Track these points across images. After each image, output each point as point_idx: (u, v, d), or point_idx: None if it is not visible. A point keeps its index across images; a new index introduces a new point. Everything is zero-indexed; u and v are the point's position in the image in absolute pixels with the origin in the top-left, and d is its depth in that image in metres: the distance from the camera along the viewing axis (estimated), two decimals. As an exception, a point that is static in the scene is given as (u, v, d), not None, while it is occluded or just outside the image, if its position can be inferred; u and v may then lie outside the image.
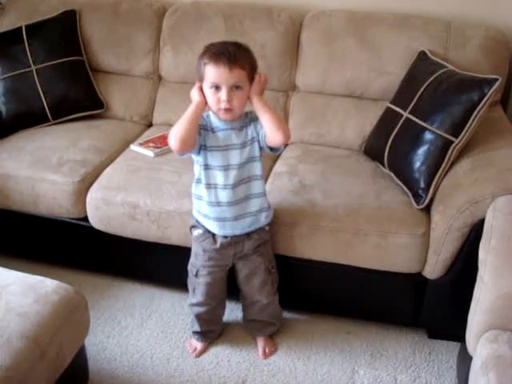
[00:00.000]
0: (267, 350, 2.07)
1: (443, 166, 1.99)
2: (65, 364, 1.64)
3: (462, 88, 2.02)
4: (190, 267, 2.00)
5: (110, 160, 2.36)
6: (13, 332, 1.48)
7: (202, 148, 1.79)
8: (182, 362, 2.04)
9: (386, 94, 2.38)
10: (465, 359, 1.70)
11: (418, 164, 2.02)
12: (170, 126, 2.57)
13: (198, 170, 1.84)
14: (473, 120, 1.96)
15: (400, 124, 2.15)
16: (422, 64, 2.28)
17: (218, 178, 1.81)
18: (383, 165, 2.21)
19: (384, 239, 1.95)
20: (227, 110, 1.71)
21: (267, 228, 1.95)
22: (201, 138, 1.77)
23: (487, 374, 1.41)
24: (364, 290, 2.11)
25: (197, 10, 2.62)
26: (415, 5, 2.54)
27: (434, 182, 1.99)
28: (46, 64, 2.58)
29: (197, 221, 1.93)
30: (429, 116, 2.04)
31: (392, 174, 2.17)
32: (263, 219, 1.91)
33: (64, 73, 2.61)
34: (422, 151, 2.02)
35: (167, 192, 2.12)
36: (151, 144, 2.41)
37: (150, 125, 2.72)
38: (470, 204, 1.83)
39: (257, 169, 1.84)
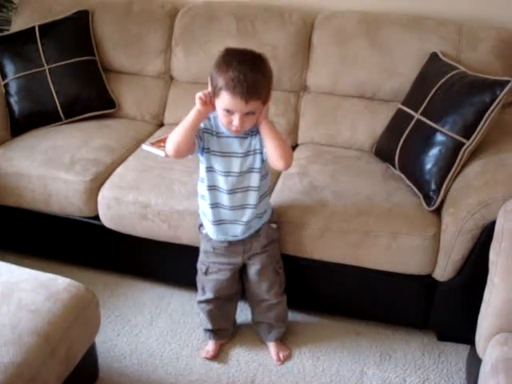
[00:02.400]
0: (281, 355, 2.06)
1: (454, 167, 1.99)
2: (75, 361, 1.65)
3: (474, 90, 2.01)
4: (199, 265, 2.00)
5: (122, 159, 2.37)
6: (24, 329, 1.50)
7: (205, 151, 1.78)
8: (191, 361, 2.05)
9: (398, 96, 2.38)
10: (474, 362, 1.70)
11: (429, 166, 2.02)
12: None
13: (202, 169, 1.83)
14: (484, 122, 1.96)
15: (411, 125, 2.14)
16: (433, 65, 2.28)
17: (220, 181, 1.81)
18: (394, 166, 2.21)
19: (394, 240, 1.95)
20: (237, 131, 1.69)
21: (274, 226, 1.95)
22: (203, 141, 1.76)
23: (497, 376, 1.40)
24: (373, 291, 2.11)
25: (209, 10, 2.62)
26: (427, 6, 2.53)
27: (444, 184, 1.99)
28: (58, 64, 2.59)
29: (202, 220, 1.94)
30: (440, 117, 2.04)
31: (403, 176, 2.16)
32: (255, 225, 1.89)
33: (76, 72, 2.62)
34: (433, 153, 2.02)
35: (178, 192, 2.13)
36: (162, 144, 2.41)
37: (161, 124, 2.73)
38: (481, 206, 1.82)
39: (255, 180, 1.81)
